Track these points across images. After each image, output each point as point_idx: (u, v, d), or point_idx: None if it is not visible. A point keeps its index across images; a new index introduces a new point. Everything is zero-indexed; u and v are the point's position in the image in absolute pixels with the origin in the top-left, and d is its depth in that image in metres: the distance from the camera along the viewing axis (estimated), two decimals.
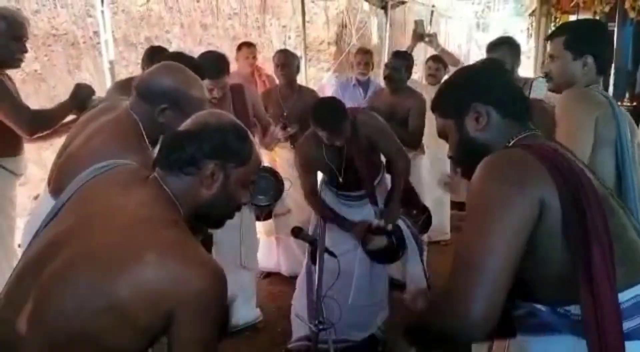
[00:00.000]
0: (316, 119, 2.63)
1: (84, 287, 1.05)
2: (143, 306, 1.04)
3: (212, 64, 2.72)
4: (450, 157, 1.38)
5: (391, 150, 2.86)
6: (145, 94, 1.70)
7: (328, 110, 2.64)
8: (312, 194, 2.90)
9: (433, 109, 1.37)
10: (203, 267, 1.09)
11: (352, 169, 2.79)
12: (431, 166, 4.19)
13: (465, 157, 1.30)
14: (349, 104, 3.18)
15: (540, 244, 1.08)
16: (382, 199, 2.91)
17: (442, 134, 1.35)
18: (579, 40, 1.90)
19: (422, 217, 2.93)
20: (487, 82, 1.28)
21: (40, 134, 2.45)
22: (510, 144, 1.22)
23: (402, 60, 3.65)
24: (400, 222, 2.79)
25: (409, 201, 2.94)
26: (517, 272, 1.08)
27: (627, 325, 1.06)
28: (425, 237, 3.52)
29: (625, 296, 1.07)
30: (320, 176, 3.05)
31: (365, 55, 4.38)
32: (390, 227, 2.72)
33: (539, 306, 1.15)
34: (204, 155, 1.20)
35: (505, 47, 2.97)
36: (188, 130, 1.24)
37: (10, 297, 1.15)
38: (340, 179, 2.84)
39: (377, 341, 3.00)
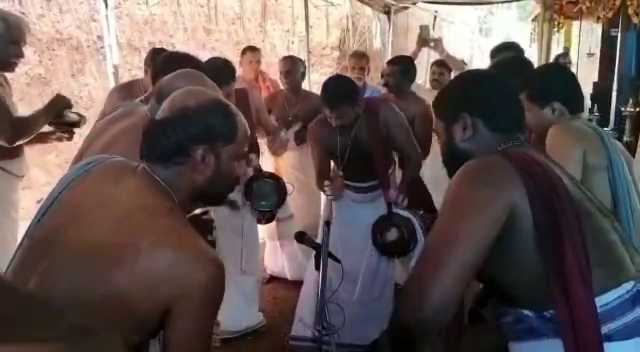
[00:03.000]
0: (322, 95, 2.67)
1: (81, 277, 1.04)
2: (141, 294, 1.02)
3: (219, 72, 2.71)
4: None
5: (406, 145, 2.87)
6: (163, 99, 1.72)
7: (335, 89, 2.66)
8: (320, 176, 2.91)
9: (433, 107, 1.43)
10: (200, 254, 1.07)
11: (360, 154, 2.80)
12: (431, 169, 4.18)
13: (449, 161, 1.35)
14: None
15: (518, 249, 1.12)
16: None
17: (437, 132, 1.40)
18: (540, 90, 1.95)
19: (431, 217, 2.91)
20: (481, 94, 1.31)
21: (20, 142, 2.45)
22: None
23: (394, 66, 3.58)
24: (413, 217, 2.78)
25: (419, 198, 2.96)
26: (500, 278, 1.15)
27: (610, 326, 1.08)
28: None
29: (608, 298, 1.09)
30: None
31: (360, 59, 4.32)
32: (405, 202, 2.73)
33: (525, 312, 1.17)
34: (191, 141, 1.16)
35: (509, 53, 2.97)
36: (168, 117, 1.19)
37: None
38: (340, 168, 2.86)
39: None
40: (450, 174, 1.30)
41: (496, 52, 3.07)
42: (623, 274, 1.13)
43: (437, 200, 4.24)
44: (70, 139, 2.70)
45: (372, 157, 2.79)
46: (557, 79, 2.02)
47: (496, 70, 2.33)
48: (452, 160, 1.31)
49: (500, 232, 1.10)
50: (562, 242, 1.07)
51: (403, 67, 3.57)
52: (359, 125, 2.75)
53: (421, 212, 2.77)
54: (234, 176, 1.26)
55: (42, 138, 2.60)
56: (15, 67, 2.48)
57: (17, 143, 2.43)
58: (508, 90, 1.36)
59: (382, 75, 3.67)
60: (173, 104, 1.21)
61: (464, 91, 1.35)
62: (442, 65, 4.35)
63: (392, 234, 2.73)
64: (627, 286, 1.12)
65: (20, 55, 2.44)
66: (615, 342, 1.07)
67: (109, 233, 1.07)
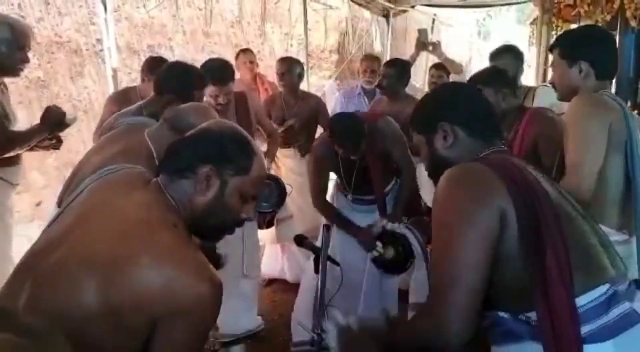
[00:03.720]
0: (334, 135, 2.65)
1: (77, 287, 1.03)
2: (135, 309, 1.02)
3: (217, 71, 2.72)
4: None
5: (402, 161, 2.88)
6: (175, 128, 1.82)
7: (346, 128, 2.63)
8: (319, 197, 2.90)
9: (410, 124, 1.45)
10: (199, 273, 1.06)
11: (366, 172, 2.81)
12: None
13: (434, 171, 1.36)
14: None
15: (501, 252, 1.13)
16: (390, 209, 2.92)
17: (414, 148, 1.41)
18: (571, 47, 1.94)
19: (427, 230, 2.91)
20: (455, 102, 1.36)
21: (10, 155, 2.45)
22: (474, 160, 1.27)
23: (391, 68, 3.58)
24: (406, 231, 2.78)
25: (410, 205, 2.95)
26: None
27: (586, 329, 1.09)
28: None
29: (582, 300, 1.11)
30: (331, 185, 3.06)
31: (372, 62, 4.24)
32: (396, 227, 2.72)
33: (501, 314, 1.18)
34: (199, 159, 1.17)
35: (508, 55, 2.98)
36: (189, 136, 1.23)
37: (10, 288, 1.13)
38: (351, 184, 2.86)
39: None
40: (435, 181, 1.31)
41: (496, 54, 3.08)
42: (600, 276, 1.15)
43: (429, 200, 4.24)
44: (57, 147, 2.70)
45: (370, 172, 2.79)
46: (591, 38, 1.97)
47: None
48: (437, 170, 1.33)
49: (498, 235, 1.12)
50: (543, 245, 1.09)
51: (399, 69, 3.58)
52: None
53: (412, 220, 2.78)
54: (236, 212, 1.24)
55: (30, 148, 2.59)
56: (20, 73, 2.49)
57: (6, 155, 2.43)
58: (481, 98, 1.41)
59: (380, 77, 3.67)
60: (200, 127, 1.26)
61: (440, 101, 1.39)
62: (440, 68, 4.36)
63: (389, 252, 2.73)
64: (603, 288, 1.13)
65: (26, 60, 2.45)
66: (591, 344, 1.08)
67: (110, 244, 1.07)
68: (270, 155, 3.31)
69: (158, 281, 1.02)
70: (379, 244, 2.38)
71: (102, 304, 1.02)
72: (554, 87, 2.07)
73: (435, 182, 1.33)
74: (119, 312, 1.02)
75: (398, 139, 2.83)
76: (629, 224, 1.85)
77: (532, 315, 1.12)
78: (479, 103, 1.39)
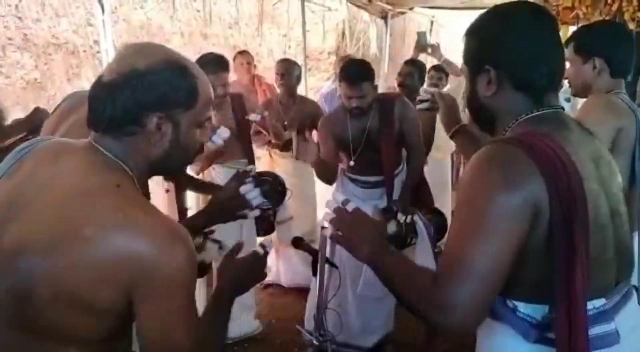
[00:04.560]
0: (341, 72, 2.75)
1: (29, 273, 0.93)
2: (94, 288, 0.92)
3: (212, 61, 2.72)
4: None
5: (412, 143, 2.91)
6: None
7: (354, 65, 2.78)
8: (333, 161, 2.93)
9: (465, 45, 1.26)
10: (153, 232, 0.94)
11: (372, 148, 2.82)
12: (431, 171, 4.17)
13: (475, 115, 1.24)
14: None
15: (527, 245, 1.04)
16: (398, 193, 2.92)
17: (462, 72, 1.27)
18: (586, 43, 1.91)
19: (432, 217, 2.90)
20: (510, 44, 1.13)
21: None
22: (515, 123, 1.14)
23: (413, 67, 3.71)
24: (413, 211, 2.78)
25: (420, 198, 2.97)
26: None
27: None
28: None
29: None
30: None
31: None
32: (401, 217, 2.70)
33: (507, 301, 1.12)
34: (142, 108, 0.99)
35: None
36: (115, 81, 0.99)
37: None
38: (353, 159, 2.87)
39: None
40: (481, 127, 1.24)
41: None
42: (598, 290, 1.10)
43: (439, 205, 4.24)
44: None
45: (382, 150, 2.82)
46: (606, 34, 1.92)
47: None
48: (477, 115, 1.22)
49: (528, 228, 1.02)
50: (575, 245, 1.02)
51: (419, 69, 3.75)
52: (372, 117, 2.79)
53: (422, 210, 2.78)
54: (195, 144, 1.11)
55: (11, 146, 2.57)
56: None
57: None
58: (546, 41, 1.16)
59: (399, 75, 3.75)
60: (120, 63, 1.02)
61: (493, 37, 1.16)
62: (440, 70, 4.37)
63: (392, 227, 2.73)
64: (597, 303, 1.09)
65: None
66: None
67: (50, 224, 0.94)
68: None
69: (110, 250, 0.91)
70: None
71: (59, 290, 0.92)
72: (568, 82, 2.05)
73: (478, 123, 1.23)
74: (79, 295, 0.92)
75: (413, 120, 2.87)
76: (631, 224, 1.85)
77: (521, 306, 1.09)
78: (539, 49, 1.14)
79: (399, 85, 3.77)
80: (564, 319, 1.03)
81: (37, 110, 2.50)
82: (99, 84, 1.02)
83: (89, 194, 0.97)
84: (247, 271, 1.30)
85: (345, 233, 1.23)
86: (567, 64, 2.03)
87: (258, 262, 1.33)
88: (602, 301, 1.10)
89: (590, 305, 1.07)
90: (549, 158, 1.04)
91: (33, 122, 2.47)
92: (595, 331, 1.07)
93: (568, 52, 1.97)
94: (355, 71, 2.69)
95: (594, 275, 1.08)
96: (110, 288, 0.93)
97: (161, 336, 0.97)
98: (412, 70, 3.70)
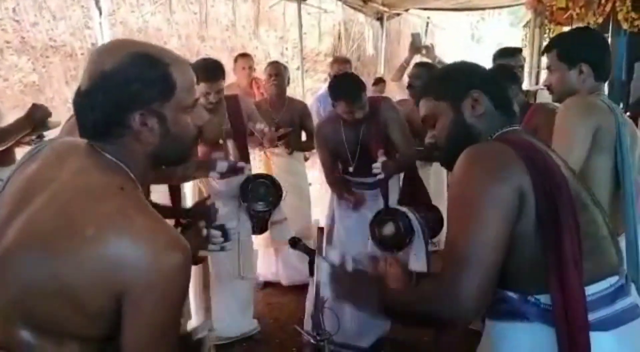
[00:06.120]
0: (335, 91, 2.74)
1: (28, 270, 0.94)
2: (89, 288, 0.92)
3: (207, 68, 2.73)
4: (429, 145, 1.38)
5: (401, 140, 2.92)
6: None
7: (346, 82, 2.78)
8: (331, 172, 2.99)
9: (425, 92, 1.37)
10: (153, 239, 0.93)
11: (368, 153, 2.86)
12: (435, 181, 4.20)
13: (455, 142, 1.29)
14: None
15: (518, 233, 1.12)
16: (394, 196, 2.96)
17: (428, 118, 1.35)
18: (571, 50, 1.94)
19: (429, 215, 2.93)
20: (484, 72, 1.36)
21: None
22: (493, 136, 1.26)
23: (422, 69, 3.71)
24: (409, 212, 2.81)
25: (417, 196, 3.00)
26: None
27: (590, 317, 1.10)
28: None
29: (591, 290, 1.12)
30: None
31: (344, 65, 4.32)
32: (382, 175, 2.73)
33: (510, 293, 1.18)
34: (121, 109, 0.99)
35: (509, 58, 3.04)
36: (88, 88, 1.00)
37: None
38: (352, 164, 2.91)
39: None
40: (448, 158, 1.29)
41: (502, 53, 3.15)
42: (609, 267, 1.17)
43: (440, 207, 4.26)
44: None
45: (374, 153, 2.84)
46: (590, 40, 1.98)
47: None
48: (460, 140, 1.27)
49: (516, 215, 1.11)
50: (561, 229, 1.09)
51: (428, 71, 3.72)
52: (365, 122, 2.83)
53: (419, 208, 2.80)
54: (189, 130, 1.10)
55: (15, 144, 2.58)
56: None
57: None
58: (508, 75, 1.42)
59: (410, 76, 3.77)
60: (90, 69, 1.01)
61: (471, 69, 1.37)
62: (430, 67, 4.39)
63: (389, 228, 2.76)
64: (612, 280, 1.15)
65: None
66: (596, 332, 1.10)
67: (53, 222, 0.95)
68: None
69: (109, 253, 0.91)
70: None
71: (56, 289, 0.93)
72: (548, 89, 2.08)
73: (449, 156, 1.29)
74: (74, 296, 0.93)
75: (398, 120, 2.89)
76: (617, 225, 1.88)
77: (542, 298, 1.13)
78: (499, 78, 1.39)
79: (408, 86, 3.81)
80: (560, 303, 1.09)
81: (34, 106, 2.51)
82: (78, 94, 1.02)
83: (91, 195, 0.97)
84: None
85: (350, 298, 1.33)
86: (546, 72, 2.07)
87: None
88: (616, 278, 1.16)
89: (606, 283, 1.14)
90: (528, 147, 1.17)
91: (34, 118, 2.49)
92: (618, 305, 1.13)
93: (549, 60, 2.01)
94: (351, 88, 2.71)
95: (600, 253, 1.16)
96: (102, 291, 0.93)
97: (139, 349, 0.96)
98: (422, 72, 3.70)
